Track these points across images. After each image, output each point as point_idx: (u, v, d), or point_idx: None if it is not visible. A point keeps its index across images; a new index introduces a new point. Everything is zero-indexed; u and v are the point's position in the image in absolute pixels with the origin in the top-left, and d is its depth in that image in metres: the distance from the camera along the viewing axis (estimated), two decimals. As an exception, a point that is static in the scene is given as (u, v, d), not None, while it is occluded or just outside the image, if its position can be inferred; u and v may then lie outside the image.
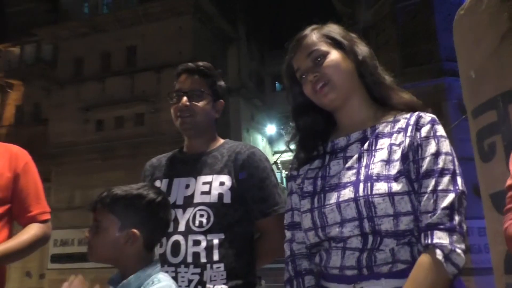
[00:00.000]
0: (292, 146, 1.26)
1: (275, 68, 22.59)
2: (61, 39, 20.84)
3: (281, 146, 23.56)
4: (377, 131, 1.10)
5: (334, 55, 1.13)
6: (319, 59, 1.12)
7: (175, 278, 1.36)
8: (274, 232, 1.34)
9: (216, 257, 1.40)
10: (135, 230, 1.17)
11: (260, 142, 23.58)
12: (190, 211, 1.45)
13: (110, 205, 1.18)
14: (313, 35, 1.16)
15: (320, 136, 1.19)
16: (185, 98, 1.52)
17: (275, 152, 24.15)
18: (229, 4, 21.19)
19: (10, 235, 1.52)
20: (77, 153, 18.63)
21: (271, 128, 23.94)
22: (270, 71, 24.44)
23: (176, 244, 1.42)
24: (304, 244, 1.15)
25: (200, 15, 19.26)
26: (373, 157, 1.05)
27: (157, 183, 1.54)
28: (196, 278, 1.38)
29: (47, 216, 1.64)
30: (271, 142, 24.52)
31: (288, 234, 1.19)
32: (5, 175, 1.52)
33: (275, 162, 22.34)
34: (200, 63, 1.58)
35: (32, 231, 1.54)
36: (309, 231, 1.10)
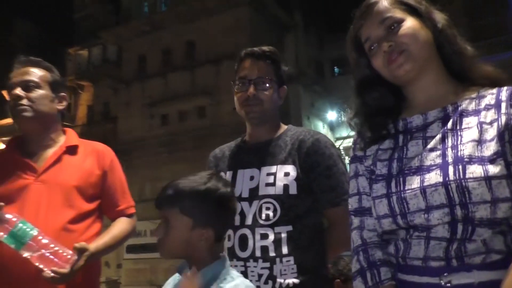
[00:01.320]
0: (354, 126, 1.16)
1: (334, 53, 22.06)
2: (124, 40, 21.74)
3: (343, 132, 23.11)
4: (460, 108, 0.99)
5: (410, 22, 1.02)
6: (393, 26, 1.02)
7: (244, 273, 1.34)
8: (345, 222, 1.27)
9: (285, 250, 1.36)
10: (208, 228, 1.14)
11: (322, 129, 23.28)
12: (256, 204, 1.41)
13: (178, 202, 1.13)
14: (384, 1, 1.06)
15: (389, 113, 1.09)
16: (252, 87, 1.46)
17: (337, 139, 23.74)
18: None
19: (102, 229, 1.61)
20: (145, 148, 19.45)
21: (332, 114, 23.52)
22: (329, 56, 23.93)
23: (244, 238, 1.39)
24: (376, 232, 1.06)
25: (256, 5, 19.24)
26: (460, 137, 0.95)
27: (221, 175, 1.50)
28: (265, 272, 1.35)
29: (133, 210, 1.70)
30: (332, 129, 24.14)
31: (355, 220, 1.10)
32: (94, 173, 1.58)
33: (338, 149, 21.95)
34: (266, 48, 1.50)
35: (121, 225, 1.61)
36: (385, 218, 1.00)
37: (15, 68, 1.57)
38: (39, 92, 1.53)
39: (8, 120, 25.94)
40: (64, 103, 1.64)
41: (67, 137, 1.64)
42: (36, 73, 1.56)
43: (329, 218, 1.47)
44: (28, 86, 1.52)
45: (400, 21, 1.03)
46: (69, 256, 1.30)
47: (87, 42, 24.71)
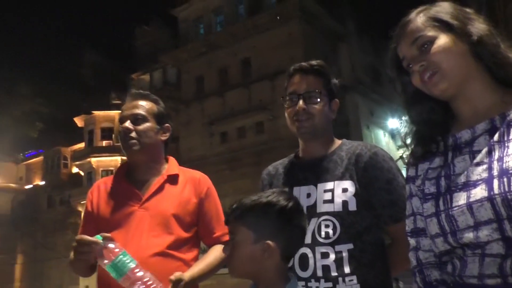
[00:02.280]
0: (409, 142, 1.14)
1: (391, 59, 21.55)
2: (182, 62, 22.57)
3: (406, 140, 22.34)
4: (508, 118, 0.95)
5: (443, 39, 1.00)
6: (425, 46, 1.02)
7: None
8: (407, 238, 1.25)
9: (347, 269, 1.33)
10: (270, 242, 1.12)
11: (383, 138, 22.67)
12: (314, 222, 1.39)
13: (242, 217, 1.14)
14: (418, 19, 1.05)
15: (438, 129, 1.07)
16: (301, 101, 1.45)
17: (400, 147, 22.99)
18: (336, 1, 20.87)
19: (198, 255, 1.67)
20: (206, 165, 19.89)
21: (393, 122, 22.83)
22: (386, 62, 23.37)
23: (304, 257, 1.37)
24: (432, 252, 1.04)
25: (307, 18, 19.29)
26: (506, 148, 0.91)
27: None
28: None
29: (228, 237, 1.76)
30: (394, 137, 23.41)
31: (412, 241, 1.09)
32: (192, 201, 1.64)
33: (401, 157, 21.25)
34: (314, 62, 1.50)
35: (216, 252, 1.64)
36: (437, 238, 0.98)
37: (127, 101, 1.70)
38: (146, 125, 1.63)
39: (81, 145, 27.71)
40: (168, 134, 1.73)
41: (169, 165, 1.73)
42: (143, 106, 1.66)
43: (391, 234, 1.42)
44: (136, 119, 1.63)
45: (431, 40, 1.02)
46: None
47: (149, 67, 25.94)
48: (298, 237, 1.20)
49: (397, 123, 22.77)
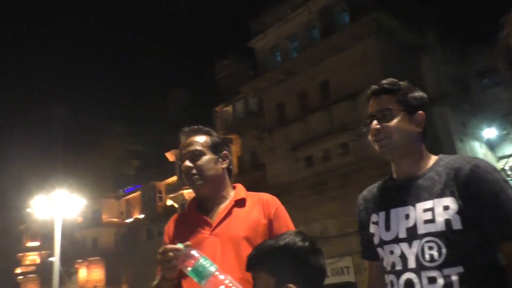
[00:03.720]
0: None
1: (480, 65, 20.19)
2: (263, 91, 23.09)
3: (507, 150, 20.55)
4: None
5: None
6: None
7: None
8: None
9: None
10: (291, 285, 1.10)
11: (479, 150, 21.06)
12: (416, 244, 1.32)
13: (261, 263, 1.14)
14: None
15: None
16: (374, 122, 1.44)
17: (500, 158, 21.17)
18: (412, 13, 20.19)
19: None
20: (293, 191, 19.87)
21: (489, 132, 21.12)
22: (474, 69, 21.89)
23: (409, 283, 1.30)
24: None
25: (383, 34, 18.86)
26: None
27: (373, 217, 1.47)
28: None
29: None
30: (492, 148, 21.62)
31: None
32: (261, 222, 1.67)
33: (503, 169, 19.53)
34: (383, 81, 1.48)
35: None
36: None
37: (181, 139, 1.78)
38: (204, 159, 1.72)
39: (173, 178, 29.18)
40: (227, 161, 1.81)
41: (236, 191, 1.79)
42: (198, 142, 1.74)
43: (506, 254, 1.28)
44: (194, 156, 1.71)
45: None
46: None
47: (230, 98, 26.88)
48: (318, 276, 1.18)
49: (495, 132, 21.05)
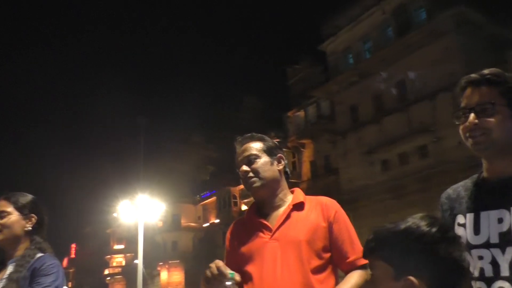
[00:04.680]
0: None
1: None
2: (335, 94, 22.75)
3: None
4: None
5: None
6: None
7: None
8: None
9: None
10: (412, 278, 0.94)
11: None
12: (511, 251, 1.20)
13: (378, 249, 0.99)
14: None
15: None
16: (472, 115, 1.29)
17: None
18: (499, 5, 18.77)
19: (336, 282, 1.64)
20: (369, 196, 19.31)
21: None
22: None
23: None
24: None
25: (465, 29, 17.74)
26: None
27: (460, 219, 1.35)
28: None
29: (364, 261, 1.62)
30: None
31: None
32: (321, 225, 1.64)
33: None
34: (486, 71, 1.33)
35: (351, 279, 1.59)
36: None
37: (236, 148, 1.82)
38: (260, 161, 1.73)
39: (247, 184, 29.64)
40: (282, 163, 1.79)
41: (294, 195, 1.77)
42: (252, 147, 1.76)
43: None
44: (250, 160, 1.73)
45: None
46: None
47: (302, 103, 26.79)
48: (449, 271, 0.97)
49: None
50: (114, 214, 27.04)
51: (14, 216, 1.88)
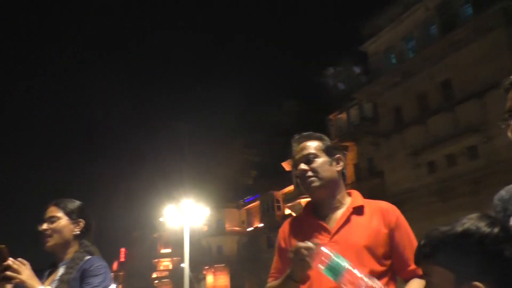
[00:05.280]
0: None
1: None
2: (377, 95, 22.31)
3: None
4: None
5: None
6: None
7: None
8: None
9: None
10: (478, 283, 0.87)
11: None
12: None
13: (433, 255, 0.93)
14: None
15: None
16: None
17: None
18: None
19: None
20: (415, 199, 18.76)
21: None
22: None
23: None
24: None
25: (516, 22, 16.96)
26: None
27: None
28: None
29: None
30: None
31: None
32: (382, 232, 1.61)
33: None
34: None
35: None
36: None
37: (294, 146, 1.78)
38: (319, 161, 1.69)
39: (290, 188, 29.57)
40: (341, 164, 1.76)
41: (353, 198, 1.73)
42: (311, 146, 1.72)
43: None
44: (308, 160, 1.69)
45: None
46: None
47: (344, 105, 26.47)
48: None
49: None
50: (161, 219, 27.70)
51: (63, 221, 1.97)
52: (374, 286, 1.30)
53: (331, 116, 27.79)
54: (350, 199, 1.72)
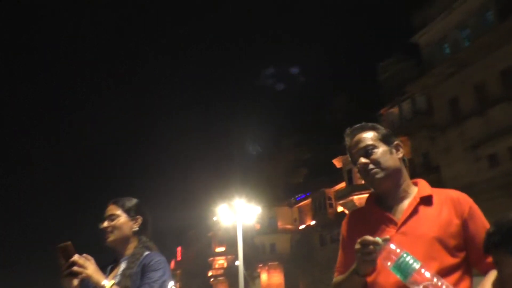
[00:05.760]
0: None
1: None
2: (431, 87, 21.51)
3: None
4: None
5: None
6: None
7: None
8: None
9: None
10: None
11: None
12: None
13: (504, 244, 0.91)
14: None
15: None
16: None
17: None
18: None
19: (471, 284, 1.52)
20: (476, 194, 17.79)
21: None
22: None
23: None
24: None
25: None
26: None
27: None
28: None
29: None
30: None
31: None
32: (453, 223, 1.52)
33: None
34: None
35: (489, 280, 1.46)
36: None
37: (347, 141, 1.70)
38: (378, 151, 1.61)
39: (342, 185, 29.18)
40: (401, 150, 1.67)
41: (420, 187, 1.64)
42: (367, 137, 1.64)
43: None
44: (366, 151, 1.61)
45: None
46: None
47: (396, 99, 25.73)
48: None
49: None
50: (214, 218, 28.25)
51: (122, 218, 2.07)
52: (447, 284, 1.25)
53: (382, 111, 27.10)
54: (416, 189, 1.64)
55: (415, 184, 1.67)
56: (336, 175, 30.19)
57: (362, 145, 1.63)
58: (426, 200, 1.58)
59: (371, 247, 1.35)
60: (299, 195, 36.51)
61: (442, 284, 1.24)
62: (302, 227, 35.18)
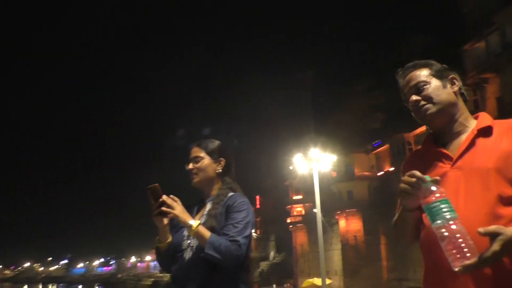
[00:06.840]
0: None
1: None
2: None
3: None
4: None
5: None
6: None
7: None
8: None
9: None
10: None
11: None
12: None
13: None
14: None
15: None
16: None
17: None
18: None
19: None
20: None
21: None
22: None
23: None
24: None
25: None
26: None
27: None
28: None
29: None
30: None
31: None
32: None
33: None
34: None
35: None
36: None
37: (399, 82, 1.65)
38: (431, 86, 1.55)
39: (422, 129, 27.93)
40: (457, 83, 1.60)
41: (479, 120, 1.56)
42: (419, 74, 1.58)
43: None
44: (418, 89, 1.56)
45: None
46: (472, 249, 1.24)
47: (481, 32, 23.58)
48: None
49: None
50: (290, 167, 28.62)
51: (206, 160, 2.14)
52: (470, 243, 1.22)
53: (466, 47, 25.05)
54: (476, 122, 1.55)
55: (476, 118, 1.58)
56: (415, 119, 28.87)
57: (413, 82, 1.58)
58: (485, 132, 1.49)
59: (414, 180, 1.33)
60: (376, 141, 35.68)
61: (465, 246, 1.21)
62: (380, 173, 34.59)
